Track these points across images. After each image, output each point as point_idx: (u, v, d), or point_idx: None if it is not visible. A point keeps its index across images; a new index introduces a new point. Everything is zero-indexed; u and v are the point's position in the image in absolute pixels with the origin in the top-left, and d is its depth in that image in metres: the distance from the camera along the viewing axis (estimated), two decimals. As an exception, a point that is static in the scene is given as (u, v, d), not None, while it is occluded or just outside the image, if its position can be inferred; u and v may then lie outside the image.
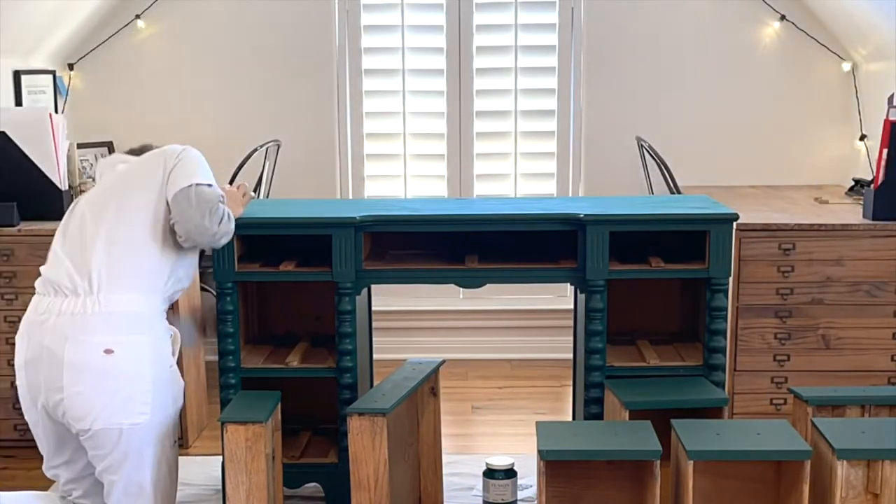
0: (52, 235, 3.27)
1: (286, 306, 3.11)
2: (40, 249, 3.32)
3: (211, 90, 4.38)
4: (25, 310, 3.29)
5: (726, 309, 2.78)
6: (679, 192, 3.72)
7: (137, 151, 2.77)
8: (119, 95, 4.38)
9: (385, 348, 3.96)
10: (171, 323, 2.61)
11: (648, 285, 3.00)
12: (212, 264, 2.85)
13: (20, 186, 3.37)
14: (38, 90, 4.05)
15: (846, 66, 4.27)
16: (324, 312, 3.00)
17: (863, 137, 4.16)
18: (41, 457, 3.32)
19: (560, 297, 4.44)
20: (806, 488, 2.26)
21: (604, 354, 2.80)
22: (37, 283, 2.54)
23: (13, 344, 3.32)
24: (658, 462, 2.30)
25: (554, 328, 4.36)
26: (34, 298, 2.53)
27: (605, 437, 2.39)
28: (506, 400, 3.94)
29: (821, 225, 3.29)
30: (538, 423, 2.49)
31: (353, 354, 2.82)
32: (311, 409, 3.06)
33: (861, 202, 3.48)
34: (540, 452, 2.33)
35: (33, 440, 3.37)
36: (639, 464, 2.36)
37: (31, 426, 2.55)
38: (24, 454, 3.38)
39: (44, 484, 3.12)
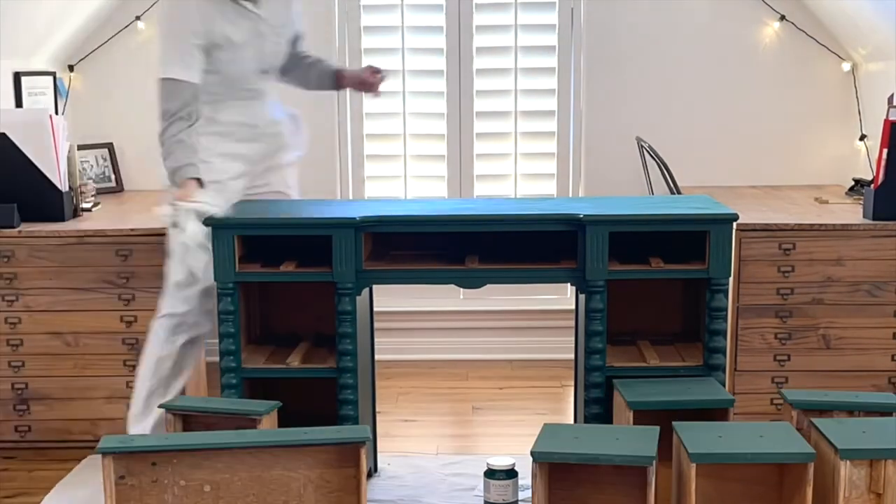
0: (53, 237, 3.31)
1: (288, 306, 3.11)
2: (41, 251, 3.33)
3: (211, 91, 4.38)
4: (26, 311, 3.33)
5: (726, 309, 2.78)
6: (679, 192, 3.72)
7: None
8: (119, 97, 4.38)
9: (386, 349, 3.97)
10: None
11: (649, 285, 3.00)
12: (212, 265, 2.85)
13: (20, 188, 3.37)
14: (39, 92, 4.05)
15: (846, 66, 4.27)
16: (325, 313, 3.00)
17: (863, 137, 4.16)
18: (41, 458, 3.35)
19: (560, 297, 4.44)
20: (809, 490, 2.26)
21: (604, 355, 2.80)
22: None
23: (14, 345, 3.36)
24: (652, 468, 2.29)
25: (554, 328, 4.36)
26: None
27: (604, 441, 2.38)
28: (506, 400, 3.94)
29: (821, 225, 3.29)
30: (545, 425, 2.49)
31: (354, 355, 2.83)
32: (312, 409, 3.06)
33: (861, 202, 3.48)
34: (532, 454, 2.34)
35: (34, 441, 3.40)
36: (636, 468, 2.35)
37: None
38: (25, 455, 3.38)
39: (44, 486, 3.13)
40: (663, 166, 3.78)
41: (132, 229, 3.33)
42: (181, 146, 2.93)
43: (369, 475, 3.07)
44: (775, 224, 3.29)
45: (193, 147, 2.94)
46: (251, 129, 3.13)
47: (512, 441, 3.45)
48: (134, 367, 3.37)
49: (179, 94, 2.92)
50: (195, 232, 2.76)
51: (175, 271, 3.02)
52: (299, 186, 3.32)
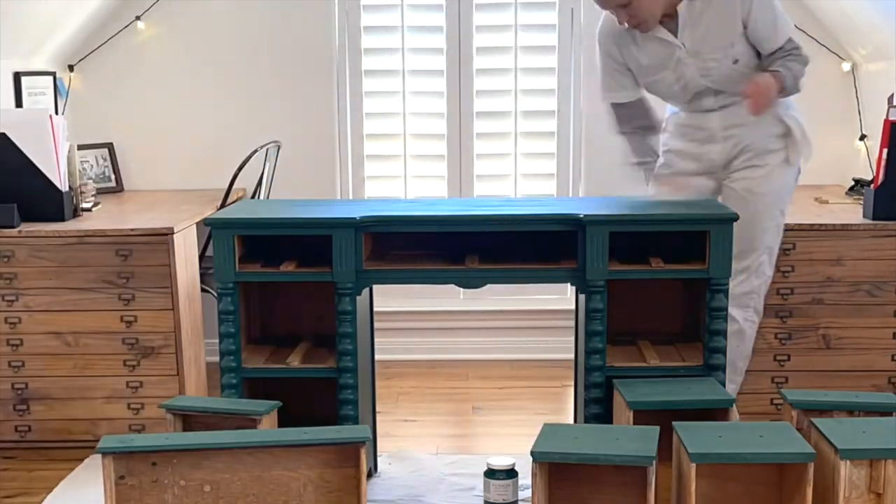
0: (53, 237, 3.32)
1: (288, 306, 3.11)
2: (41, 251, 3.33)
3: (211, 91, 4.39)
4: (26, 311, 3.33)
5: (726, 309, 2.78)
6: (679, 193, 3.72)
7: None
8: (119, 97, 4.38)
9: (386, 349, 3.97)
10: None
11: (649, 285, 3.00)
12: (212, 265, 2.85)
13: (20, 188, 3.37)
14: (39, 92, 4.06)
15: (846, 66, 4.27)
16: (325, 312, 3.00)
17: (863, 137, 4.16)
18: (42, 458, 3.35)
19: (560, 297, 4.44)
20: (809, 490, 2.26)
21: (604, 354, 2.80)
22: None
23: (14, 345, 3.36)
24: (652, 468, 2.29)
25: (554, 328, 4.36)
26: None
27: (604, 441, 2.38)
28: (506, 400, 3.94)
29: (821, 225, 3.29)
30: (545, 425, 2.49)
31: (354, 355, 2.83)
32: (312, 409, 3.06)
33: (861, 202, 3.48)
34: (532, 454, 2.34)
35: (34, 441, 3.40)
36: (636, 468, 2.35)
37: None
38: (25, 455, 3.38)
39: (44, 486, 3.13)
40: (663, 166, 3.77)
41: (132, 229, 3.33)
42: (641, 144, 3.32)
43: (369, 475, 3.07)
44: (775, 224, 3.29)
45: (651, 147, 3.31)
46: (704, 131, 3.21)
47: (512, 441, 3.45)
48: (134, 367, 3.38)
49: (620, 114, 3.31)
50: None
51: None
52: (778, 192, 3.17)
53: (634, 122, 3.30)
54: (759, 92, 2.99)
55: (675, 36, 3.07)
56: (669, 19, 3.07)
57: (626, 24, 3.06)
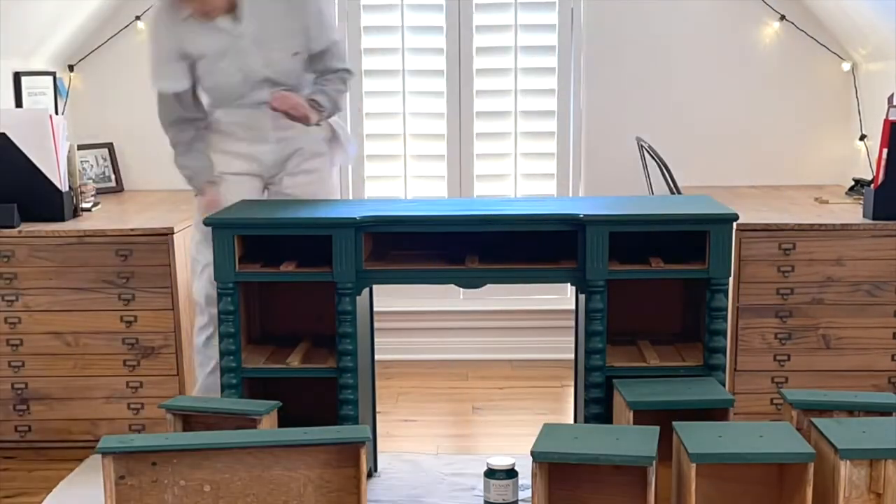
0: (53, 237, 3.31)
1: (288, 306, 3.12)
2: (41, 251, 3.33)
3: (211, 91, 4.38)
4: (26, 311, 3.33)
5: (726, 309, 2.78)
6: (679, 193, 3.72)
7: None
8: (119, 97, 4.38)
9: (386, 349, 3.96)
10: None
11: (649, 285, 3.00)
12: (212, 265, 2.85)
13: (20, 188, 3.37)
14: (39, 92, 4.06)
15: (846, 66, 4.27)
16: (325, 313, 3.00)
17: (863, 137, 4.16)
18: (42, 458, 3.35)
19: (560, 297, 4.44)
20: (809, 490, 2.26)
21: (604, 355, 2.80)
22: None
23: (14, 345, 3.36)
24: (652, 468, 2.29)
25: (554, 328, 4.36)
26: None
27: (604, 441, 2.38)
28: (506, 400, 3.94)
29: (821, 225, 3.29)
30: (545, 425, 2.49)
31: (354, 355, 2.83)
32: (312, 409, 3.06)
33: (861, 202, 3.48)
34: (532, 454, 2.34)
35: (34, 441, 3.40)
36: (636, 468, 2.35)
37: None
38: (25, 455, 3.38)
39: (44, 486, 3.13)
40: (663, 166, 3.78)
41: (132, 229, 3.33)
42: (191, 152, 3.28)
43: (369, 475, 3.07)
44: (775, 224, 3.29)
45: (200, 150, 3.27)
46: (255, 131, 3.25)
47: (512, 441, 3.45)
48: (134, 367, 3.38)
49: (168, 104, 3.25)
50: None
51: None
52: (328, 195, 3.38)
53: (186, 112, 3.26)
54: (286, 103, 3.11)
55: (239, 24, 3.11)
56: (232, 8, 3.11)
57: (192, 13, 3.09)
